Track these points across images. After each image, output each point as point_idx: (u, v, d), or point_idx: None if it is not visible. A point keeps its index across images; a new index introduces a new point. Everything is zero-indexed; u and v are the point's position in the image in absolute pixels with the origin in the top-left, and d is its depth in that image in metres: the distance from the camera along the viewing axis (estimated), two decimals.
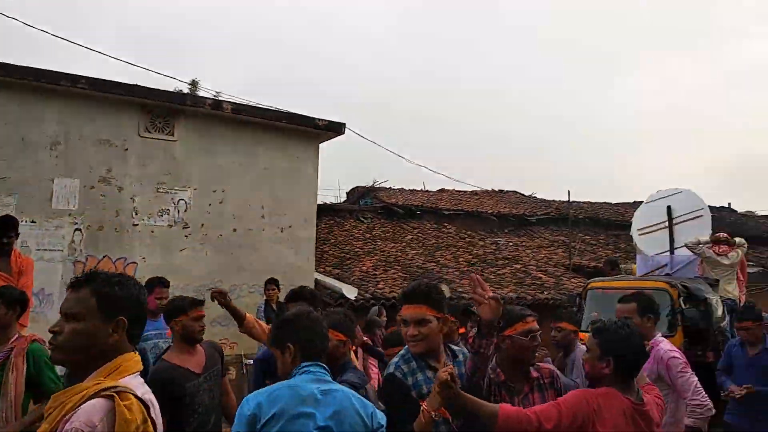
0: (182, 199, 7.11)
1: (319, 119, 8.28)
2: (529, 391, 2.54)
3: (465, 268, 10.75)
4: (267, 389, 2.03)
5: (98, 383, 1.54)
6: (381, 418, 2.06)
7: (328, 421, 1.93)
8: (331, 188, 35.79)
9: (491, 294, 2.29)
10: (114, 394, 1.51)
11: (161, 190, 6.99)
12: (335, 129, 8.54)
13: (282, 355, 2.11)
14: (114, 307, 1.63)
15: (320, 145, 8.55)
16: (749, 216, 19.76)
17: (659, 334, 3.38)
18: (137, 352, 1.81)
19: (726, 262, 7.32)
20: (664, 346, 3.23)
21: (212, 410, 3.13)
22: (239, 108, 7.68)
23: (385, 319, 6.78)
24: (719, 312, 6.41)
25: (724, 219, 15.41)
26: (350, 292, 7.96)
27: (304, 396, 1.96)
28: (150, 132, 7.03)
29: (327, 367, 2.10)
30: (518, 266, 11.38)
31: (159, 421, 1.68)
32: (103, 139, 6.70)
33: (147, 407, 1.63)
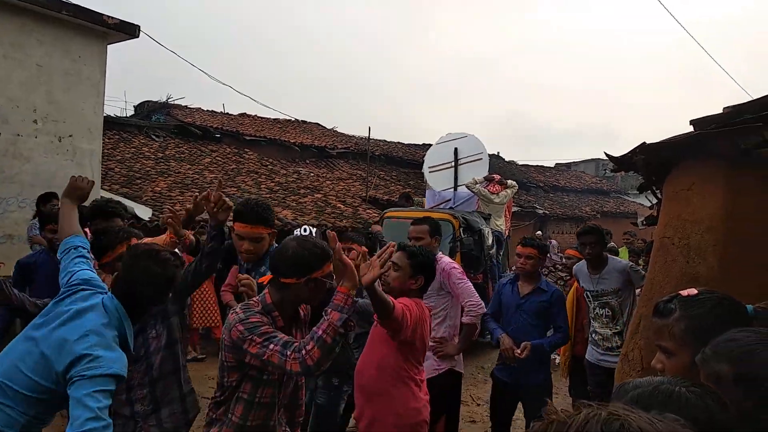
0: None
1: (109, 16, 7.23)
2: (296, 333, 2.29)
3: (267, 195, 10.67)
4: None
5: None
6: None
7: None
8: (116, 99, 31.94)
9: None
10: None
11: None
12: (127, 30, 7.54)
13: None
14: None
15: (108, 46, 7.52)
16: (512, 164, 22.86)
17: (440, 253, 3.84)
18: None
19: (497, 200, 8.45)
20: (446, 260, 3.71)
21: None
22: None
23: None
24: (489, 241, 7.45)
25: (494, 165, 17.65)
26: (144, 213, 7.36)
27: None
28: None
29: None
30: (319, 195, 11.66)
31: None
32: None
33: None
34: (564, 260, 7.30)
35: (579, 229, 4.25)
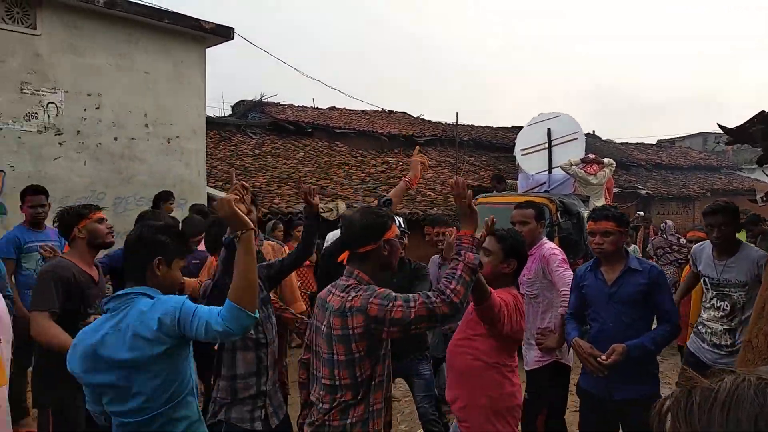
0: (52, 103, 6.34)
1: (206, 21, 7.64)
2: None
3: (358, 186, 10.87)
4: None
5: None
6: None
7: None
8: (215, 101, 33.79)
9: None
10: None
11: (26, 91, 6.15)
12: (223, 33, 7.95)
13: None
14: None
15: (206, 50, 7.95)
16: (610, 143, 21.73)
17: (544, 238, 3.68)
18: None
19: (594, 181, 8.07)
20: (548, 245, 3.53)
21: None
22: (113, 2, 6.84)
23: (281, 233, 6.74)
24: None
25: (590, 144, 16.87)
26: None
27: None
28: (7, 23, 6.08)
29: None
30: None
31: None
32: None
33: None
34: (684, 242, 6.87)
35: (705, 207, 3.54)
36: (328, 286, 2.20)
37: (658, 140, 24.47)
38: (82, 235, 2.86)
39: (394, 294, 2.01)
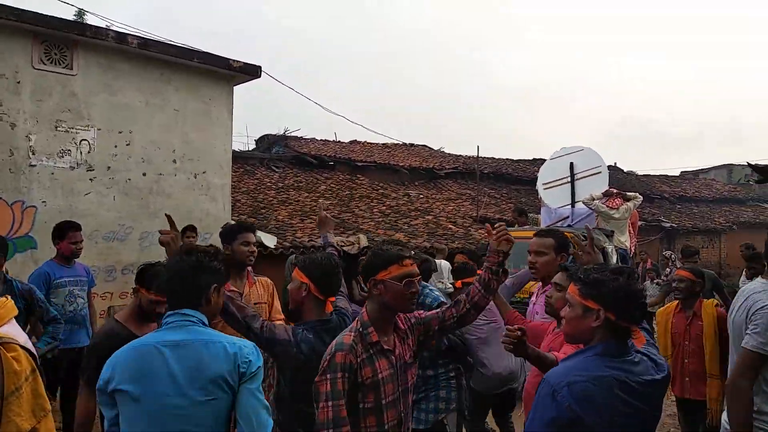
0: (85, 140, 6.55)
1: (234, 60, 7.87)
2: (400, 343, 2.24)
3: (379, 219, 10.92)
4: None
5: None
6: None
7: None
8: (239, 135, 34.44)
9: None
10: None
11: (60, 129, 6.37)
12: (250, 71, 8.16)
13: None
14: None
15: (234, 87, 8.17)
16: (632, 174, 21.58)
17: None
18: (8, 297, 1.68)
19: (616, 215, 8.01)
20: None
21: None
22: (147, 43, 7.11)
23: None
24: (614, 260, 7.06)
25: (612, 177, 16.80)
26: (270, 241, 7.84)
27: None
28: (45, 64, 6.34)
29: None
30: (430, 217, 11.74)
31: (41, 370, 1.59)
32: None
33: (33, 356, 1.54)
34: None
35: (746, 252, 3.47)
36: None
37: (682, 172, 24.24)
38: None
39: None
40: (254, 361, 1.85)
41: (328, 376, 2.01)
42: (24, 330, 2.67)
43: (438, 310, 2.41)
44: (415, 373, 2.31)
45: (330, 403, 1.97)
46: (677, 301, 4.03)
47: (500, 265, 2.37)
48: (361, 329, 2.15)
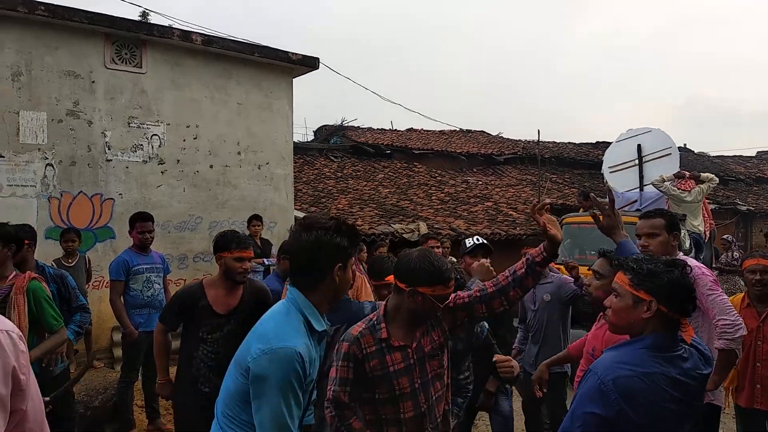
0: (155, 135, 6.85)
1: (293, 53, 8.00)
2: (420, 336, 2.15)
3: (438, 206, 10.88)
4: None
5: None
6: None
7: None
8: (298, 126, 35.09)
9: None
10: None
11: (133, 125, 6.69)
12: (309, 63, 8.27)
13: None
14: None
15: (293, 79, 8.31)
16: (704, 156, 20.50)
17: (681, 254, 2.98)
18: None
19: (688, 198, 7.63)
20: (692, 263, 2.72)
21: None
22: (210, 39, 7.32)
23: (366, 254, 6.86)
24: (686, 245, 6.74)
25: (683, 158, 16.02)
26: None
27: None
28: (117, 63, 6.66)
29: None
30: (489, 204, 11.59)
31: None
32: (68, 71, 6.31)
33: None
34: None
35: None
36: None
37: (758, 152, 22.81)
38: (220, 263, 3.11)
39: None
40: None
41: (338, 363, 2.11)
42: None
43: (478, 291, 2.15)
44: (441, 364, 2.17)
45: (334, 388, 2.09)
46: (743, 294, 3.46)
47: (544, 260, 2.08)
48: (375, 322, 2.13)
